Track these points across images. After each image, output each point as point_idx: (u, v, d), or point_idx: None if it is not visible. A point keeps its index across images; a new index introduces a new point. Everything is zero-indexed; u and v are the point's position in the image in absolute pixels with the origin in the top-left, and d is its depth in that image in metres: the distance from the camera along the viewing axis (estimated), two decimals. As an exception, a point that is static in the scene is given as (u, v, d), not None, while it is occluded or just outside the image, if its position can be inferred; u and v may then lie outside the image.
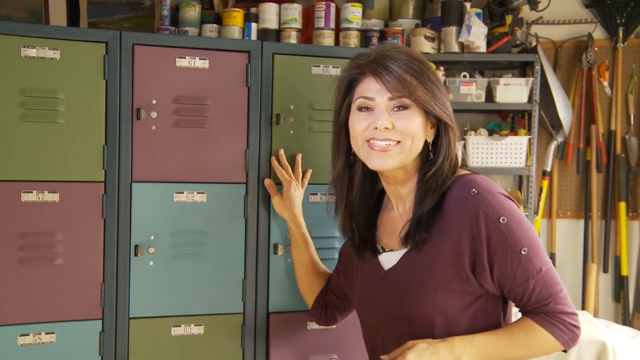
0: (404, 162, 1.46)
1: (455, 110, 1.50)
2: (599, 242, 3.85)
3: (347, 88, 1.50)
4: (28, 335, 1.64)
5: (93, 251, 1.69)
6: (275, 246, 1.82)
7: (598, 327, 2.64)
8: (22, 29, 1.63)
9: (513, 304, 1.49)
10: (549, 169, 3.78)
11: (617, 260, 3.82)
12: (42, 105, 1.64)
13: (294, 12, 3.43)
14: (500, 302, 1.47)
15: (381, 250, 1.54)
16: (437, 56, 3.47)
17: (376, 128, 1.43)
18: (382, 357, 1.42)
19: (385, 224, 1.57)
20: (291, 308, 1.85)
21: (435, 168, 1.45)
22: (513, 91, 3.47)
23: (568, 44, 3.87)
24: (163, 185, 1.74)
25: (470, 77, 3.52)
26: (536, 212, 3.72)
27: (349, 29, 3.44)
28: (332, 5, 3.45)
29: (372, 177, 1.56)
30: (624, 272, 3.81)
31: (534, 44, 3.71)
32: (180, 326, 1.76)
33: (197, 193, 1.76)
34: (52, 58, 1.64)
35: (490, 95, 3.50)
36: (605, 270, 3.87)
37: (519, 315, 1.48)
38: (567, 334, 1.41)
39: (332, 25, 3.45)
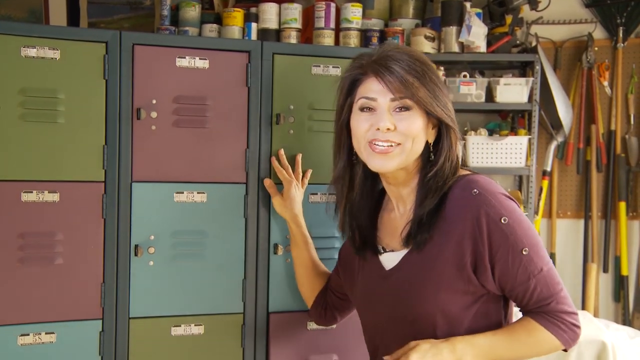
0: (404, 164, 1.46)
1: (455, 110, 1.49)
2: (599, 242, 3.85)
3: (349, 88, 1.50)
4: (28, 335, 1.64)
5: (93, 251, 1.69)
6: (275, 246, 1.82)
7: (598, 327, 2.64)
8: (22, 29, 1.63)
9: (514, 303, 1.49)
10: (549, 168, 3.78)
11: (617, 260, 3.82)
12: (42, 105, 1.64)
13: (294, 12, 3.43)
14: (501, 301, 1.48)
15: (382, 251, 1.54)
16: (437, 56, 3.46)
17: (378, 129, 1.43)
18: (384, 357, 1.42)
19: (385, 224, 1.57)
20: (291, 308, 1.85)
21: (436, 169, 1.45)
22: (513, 91, 3.46)
23: (568, 44, 3.87)
24: (163, 185, 1.74)
25: (470, 77, 3.51)
26: (536, 212, 3.72)
27: (349, 28, 3.44)
28: (332, 5, 3.45)
29: (373, 177, 1.56)
30: (624, 272, 3.81)
31: (534, 43, 3.71)
32: (180, 326, 1.76)
33: (197, 193, 1.76)
34: (52, 58, 1.64)
35: (490, 95, 3.50)
36: (605, 270, 3.86)
37: (520, 315, 1.48)
38: (568, 333, 1.42)
39: (332, 25, 3.45)
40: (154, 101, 1.71)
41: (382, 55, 1.45)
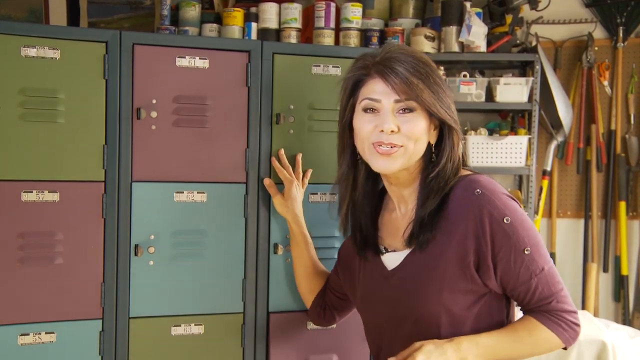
0: (407, 165, 1.46)
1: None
2: (599, 241, 3.86)
3: (352, 89, 1.50)
4: (28, 335, 1.64)
5: (93, 251, 1.69)
6: (275, 246, 1.82)
7: (598, 326, 2.64)
8: (22, 29, 1.63)
9: (515, 302, 1.50)
10: (549, 168, 3.78)
11: (617, 260, 3.82)
12: (42, 105, 1.64)
13: (294, 11, 3.43)
14: (503, 300, 1.49)
15: (384, 251, 1.54)
16: (437, 56, 3.46)
17: (382, 130, 1.43)
18: (389, 359, 1.42)
19: (387, 224, 1.57)
20: (291, 308, 1.85)
21: (438, 169, 1.45)
22: (513, 91, 3.47)
23: (568, 44, 3.87)
24: (163, 185, 1.73)
25: (470, 76, 3.52)
26: (536, 212, 3.72)
27: (349, 28, 3.44)
28: (332, 4, 3.45)
29: (374, 177, 1.57)
30: (624, 272, 3.81)
31: (534, 43, 3.71)
32: (180, 326, 1.76)
33: (197, 193, 1.76)
34: (52, 58, 1.64)
35: (490, 94, 3.50)
36: (605, 270, 3.87)
37: (521, 314, 1.48)
38: (569, 331, 1.43)
39: (332, 24, 3.45)
40: (154, 101, 1.71)
41: (385, 56, 1.45)
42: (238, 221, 1.79)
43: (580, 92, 3.83)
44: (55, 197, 1.65)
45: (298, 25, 3.44)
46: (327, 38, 3.43)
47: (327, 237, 1.85)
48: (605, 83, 3.83)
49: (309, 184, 1.82)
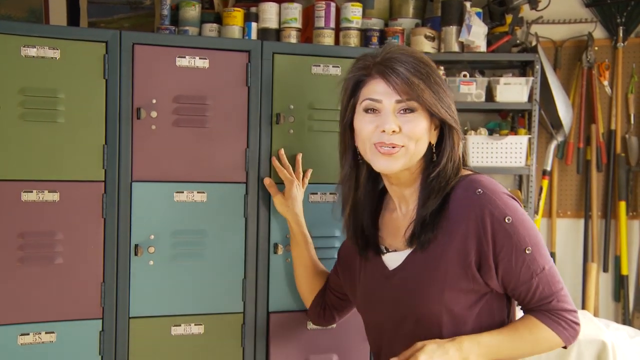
0: (408, 165, 1.46)
1: (456, 110, 1.50)
2: (599, 241, 3.86)
3: (353, 89, 1.50)
4: (28, 334, 1.64)
5: (93, 251, 1.69)
6: (275, 246, 1.82)
7: (598, 326, 2.65)
8: (22, 29, 1.63)
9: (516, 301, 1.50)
10: (549, 168, 3.79)
11: (617, 260, 3.83)
12: (42, 105, 1.64)
13: (294, 11, 3.43)
14: (504, 299, 1.49)
15: (385, 251, 1.54)
16: (437, 55, 3.47)
17: (383, 131, 1.43)
18: (392, 359, 1.42)
19: (387, 224, 1.57)
20: (291, 308, 1.85)
21: (438, 169, 1.46)
22: (513, 90, 3.47)
23: (568, 44, 3.87)
24: (163, 185, 1.73)
25: (470, 76, 3.52)
26: (536, 212, 3.72)
27: (349, 28, 3.45)
28: (332, 4, 3.45)
29: (375, 176, 1.57)
30: (624, 272, 3.81)
31: (534, 43, 3.71)
32: (180, 326, 1.76)
33: (197, 192, 1.76)
34: (52, 58, 1.64)
35: (490, 94, 3.51)
36: (605, 270, 3.87)
37: (521, 313, 1.49)
38: (569, 330, 1.44)
39: (332, 24, 3.45)
40: (154, 101, 1.71)
41: (386, 56, 1.45)
42: (238, 221, 1.79)
43: (580, 92, 3.83)
44: (55, 197, 1.65)
45: (298, 25, 3.44)
46: (327, 38, 3.43)
47: (327, 237, 1.85)
48: (605, 83, 3.83)
49: (309, 183, 1.82)
